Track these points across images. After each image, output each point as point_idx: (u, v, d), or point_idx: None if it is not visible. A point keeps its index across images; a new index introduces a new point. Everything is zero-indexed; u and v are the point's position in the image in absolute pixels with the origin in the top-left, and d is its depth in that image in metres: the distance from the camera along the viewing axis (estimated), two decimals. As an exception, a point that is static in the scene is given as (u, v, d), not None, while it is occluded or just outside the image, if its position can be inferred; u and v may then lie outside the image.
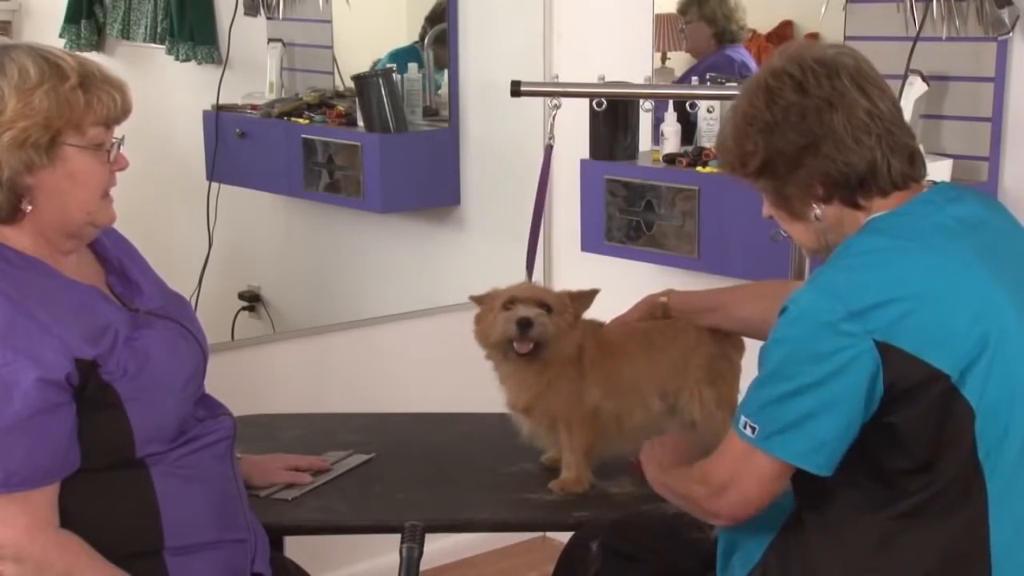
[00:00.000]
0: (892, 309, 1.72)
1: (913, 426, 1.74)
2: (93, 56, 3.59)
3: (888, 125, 1.82)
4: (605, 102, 3.11)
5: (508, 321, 2.28)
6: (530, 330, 2.26)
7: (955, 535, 1.77)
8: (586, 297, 2.35)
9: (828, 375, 1.72)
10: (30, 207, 1.87)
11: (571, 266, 3.81)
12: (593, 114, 3.26)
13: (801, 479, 1.83)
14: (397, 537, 2.18)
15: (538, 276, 3.80)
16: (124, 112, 1.93)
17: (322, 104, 3.98)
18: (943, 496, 1.76)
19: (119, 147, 1.94)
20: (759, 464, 1.79)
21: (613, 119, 3.31)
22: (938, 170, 2.81)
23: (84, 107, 1.86)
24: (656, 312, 2.39)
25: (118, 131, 1.95)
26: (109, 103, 1.89)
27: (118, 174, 1.96)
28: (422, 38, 4.06)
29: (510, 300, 2.30)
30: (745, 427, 1.79)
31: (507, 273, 2.68)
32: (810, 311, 1.75)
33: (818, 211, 1.85)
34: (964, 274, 1.77)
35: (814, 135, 1.81)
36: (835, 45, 1.94)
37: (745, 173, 1.89)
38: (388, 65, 3.90)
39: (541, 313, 2.27)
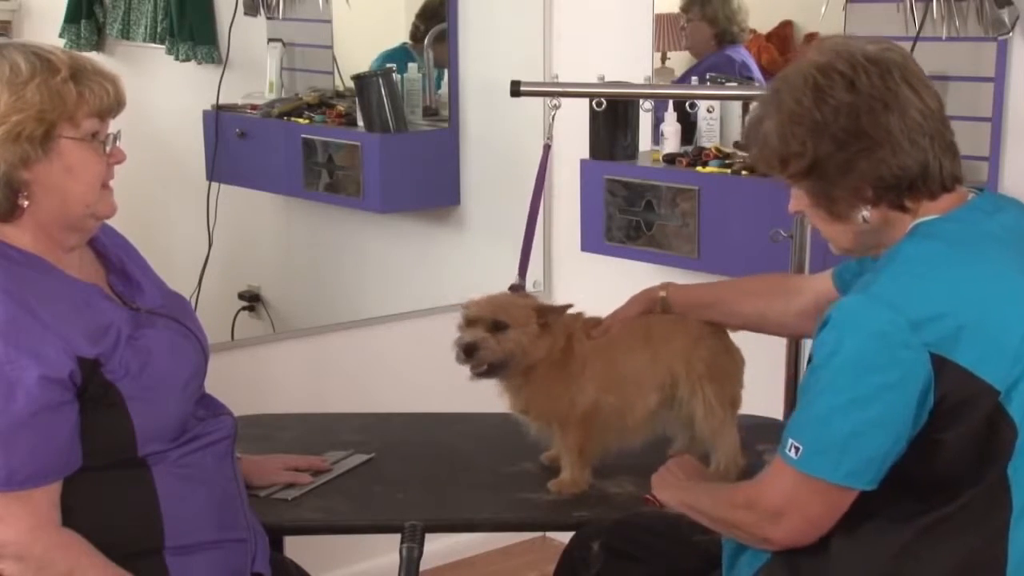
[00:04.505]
0: (949, 321, 1.66)
1: (957, 444, 1.70)
2: (93, 56, 3.59)
3: (937, 124, 1.76)
4: (605, 102, 3.11)
5: (455, 345, 2.30)
6: (475, 355, 2.27)
7: (975, 546, 1.74)
8: (555, 311, 2.34)
9: (883, 388, 1.67)
10: (27, 202, 1.87)
11: (571, 266, 3.81)
12: (593, 114, 3.26)
13: None
14: (397, 537, 2.18)
15: (538, 276, 3.81)
16: (118, 103, 1.93)
17: (322, 104, 3.98)
18: (969, 510, 1.73)
19: (116, 140, 1.94)
20: (814, 487, 1.73)
21: (613, 119, 3.31)
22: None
23: (76, 99, 1.86)
24: (654, 307, 2.37)
25: (114, 125, 1.95)
26: (102, 94, 1.89)
27: (118, 171, 1.96)
28: (413, 37, 4.06)
29: (465, 320, 2.31)
30: (790, 449, 1.74)
31: (507, 273, 2.68)
32: (866, 320, 1.69)
33: (866, 213, 1.78)
34: (1017, 286, 1.72)
35: (869, 137, 1.74)
36: (876, 40, 1.83)
37: (788, 173, 1.81)
38: (388, 65, 3.90)
39: (486, 337, 2.27)
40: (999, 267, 1.74)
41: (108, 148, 1.93)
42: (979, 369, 1.67)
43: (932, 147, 1.76)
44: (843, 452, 1.71)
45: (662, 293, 2.37)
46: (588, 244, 3.51)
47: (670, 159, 3.32)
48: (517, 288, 2.57)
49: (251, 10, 3.97)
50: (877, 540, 1.77)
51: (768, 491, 1.80)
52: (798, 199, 1.86)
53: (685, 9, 3.66)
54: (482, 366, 2.29)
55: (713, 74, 3.45)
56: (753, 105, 1.96)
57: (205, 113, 3.96)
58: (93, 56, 3.49)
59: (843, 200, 1.79)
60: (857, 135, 1.74)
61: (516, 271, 2.72)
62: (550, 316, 2.33)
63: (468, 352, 2.28)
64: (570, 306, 2.36)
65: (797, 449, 1.73)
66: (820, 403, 1.73)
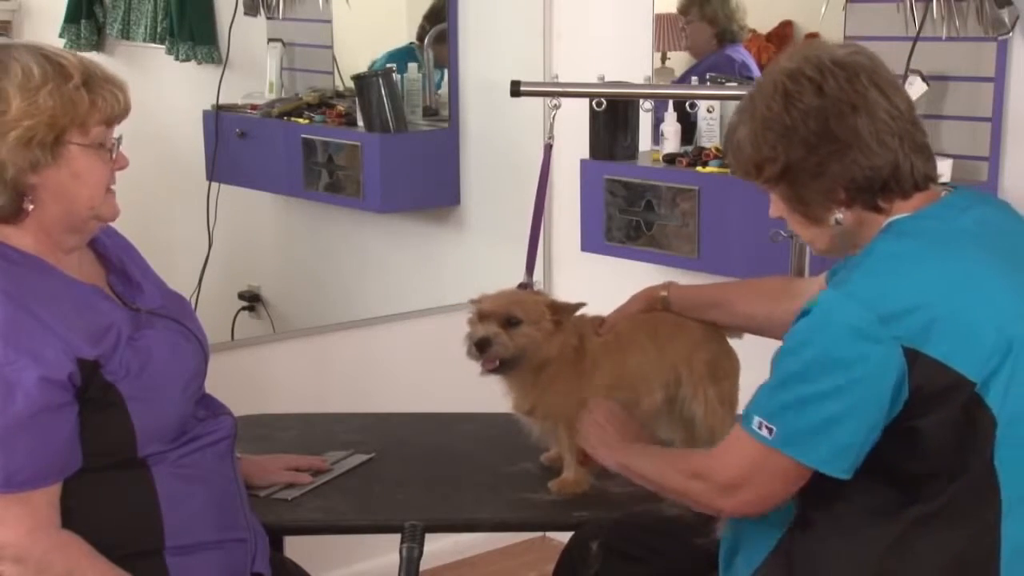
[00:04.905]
0: (921, 315, 1.69)
1: (936, 432, 1.72)
2: (93, 56, 3.59)
3: (907, 124, 1.79)
4: (605, 102, 3.11)
5: (468, 340, 2.28)
6: (488, 350, 2.25)
7: (967, 540, 1.75)
8: (568, 309, 2.33)
9: (854, 381, 1.70)
10: (32, 206, 1.87)
11: (571, 266, 3.81)
12: (593, 114, 3.26)
13: (813, 480, 1.82)
14: (397, 537, 2.18)
15: (538, 276, 3.81)
16: (125, 111, 1.93)
17: (322, 104, 3.98)
18: (958, 502, 1.74)
19: (119, 146, 1.95)
20: (779, 466, 1.77)
21: (613, 119, 3.31)
22: (938, 170, 2.81)
23: (88, 106, 1.87)
24: (656, 305, 2.37)
25: (117, 130, 1.95)
26: (112, 102, 1.89)
27: (118, 173, 1.96)
28: (419, 37, 4.06)
29: (478, 315, 2.30)
30: (760, 427, 1.76)
31: (507, 273, 2.68)
32: (838, 315, 1.72)
33: (839, 215, 1.82)
34: (990, 280, 1.74)
35: (838, 139, 1.77)
36: (845, 45, 1.88)
37: (763, 179, 1.85)
38: (389, 65, 3.90)
39: (499, 333, 2.25)
40: (969, 262, 1.76)
41: (113, 154, 1.94)
42: (952, 360, 1.69)
43: (902, 147, 1.78)
44: (817, 438, 1.73)
45: (663, 292, 2.38)
46: (588, 244, 3.50)
47: (670, 159, 3.32)
48: (526, 287, 2.57)
49: (251, 10, 3.97)
50: (871, 536, 1.78)
51: (725, 463, 1.83)
52: (776, 204, 1.89)
53: (683, 11, 3.66)
54: (494, 362, 2.26)
55: (713, 74, 3.45)
56: (731, 114, 1.99)
57: (205, 113, 3.96)
58: (93, 56, 3.49)
59: (817, 203, 1.82)
60: (827, 138, 1.77)
61: (516, 271, 2.72)
62: (563, 314, 2.32)
63: (481, 347, 2.25)
64: (583, 305, 2.35)
65: (770, 430, 1.75)
66: (792, 391, 1.75)
